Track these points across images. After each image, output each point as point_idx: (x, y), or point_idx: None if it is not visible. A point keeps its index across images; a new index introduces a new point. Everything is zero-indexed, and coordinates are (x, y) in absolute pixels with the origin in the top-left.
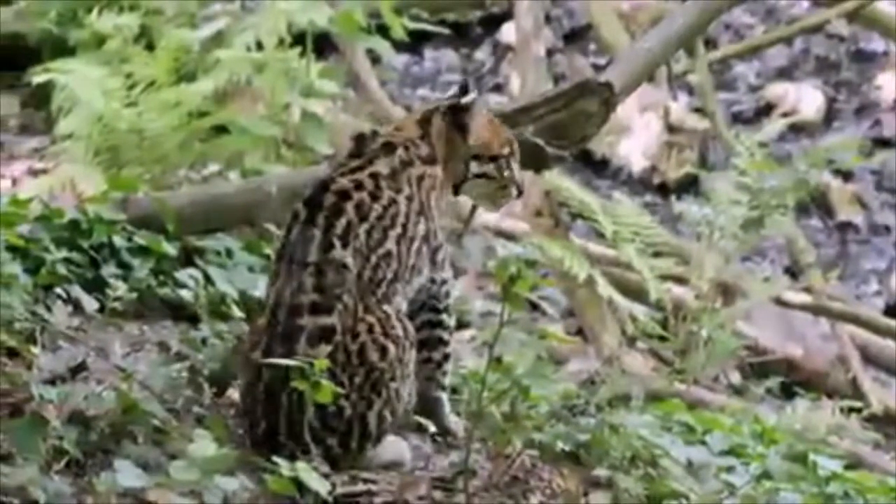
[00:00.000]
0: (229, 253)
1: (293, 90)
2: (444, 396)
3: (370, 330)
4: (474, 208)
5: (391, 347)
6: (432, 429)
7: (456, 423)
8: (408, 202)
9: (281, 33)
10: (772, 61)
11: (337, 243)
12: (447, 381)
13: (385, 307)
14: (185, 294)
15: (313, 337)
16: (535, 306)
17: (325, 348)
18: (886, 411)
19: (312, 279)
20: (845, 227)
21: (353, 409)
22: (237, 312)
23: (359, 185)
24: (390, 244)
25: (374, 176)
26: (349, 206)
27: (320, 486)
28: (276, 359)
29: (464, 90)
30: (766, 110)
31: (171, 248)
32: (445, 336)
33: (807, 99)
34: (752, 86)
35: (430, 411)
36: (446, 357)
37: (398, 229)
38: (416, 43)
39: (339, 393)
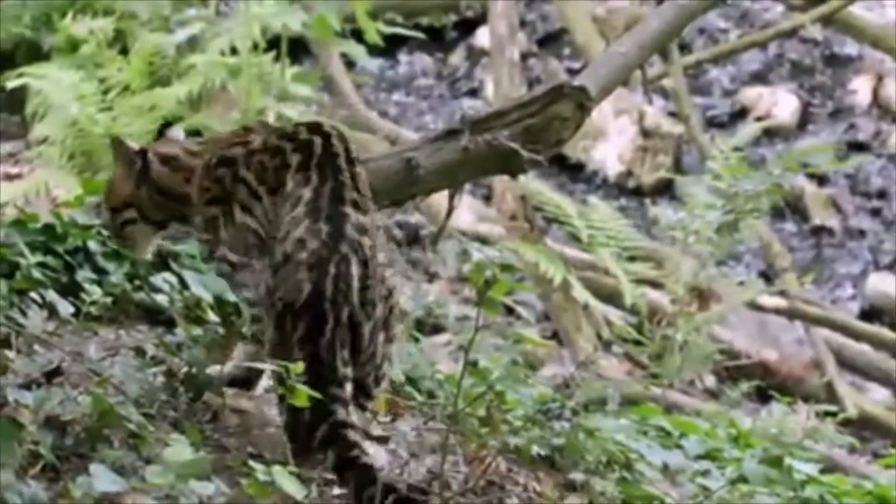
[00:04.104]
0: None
1: (268, 94)
2: None
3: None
4: (449, 213)
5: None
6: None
7: None
8: None
9: (255, 38)
10: (746, 65)
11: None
12: None
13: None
14: (161, 298)
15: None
16: (510, 310)
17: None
18: (861, 415)
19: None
20: (820, 231)
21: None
22: (212, 316)
23: None
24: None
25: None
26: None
27: (296, 490)
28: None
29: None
30: (740, 114)
31: None
32: None
33: (781, 103)
34: (726, 90)
35: None
36: None
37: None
38: (390, 47)
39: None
